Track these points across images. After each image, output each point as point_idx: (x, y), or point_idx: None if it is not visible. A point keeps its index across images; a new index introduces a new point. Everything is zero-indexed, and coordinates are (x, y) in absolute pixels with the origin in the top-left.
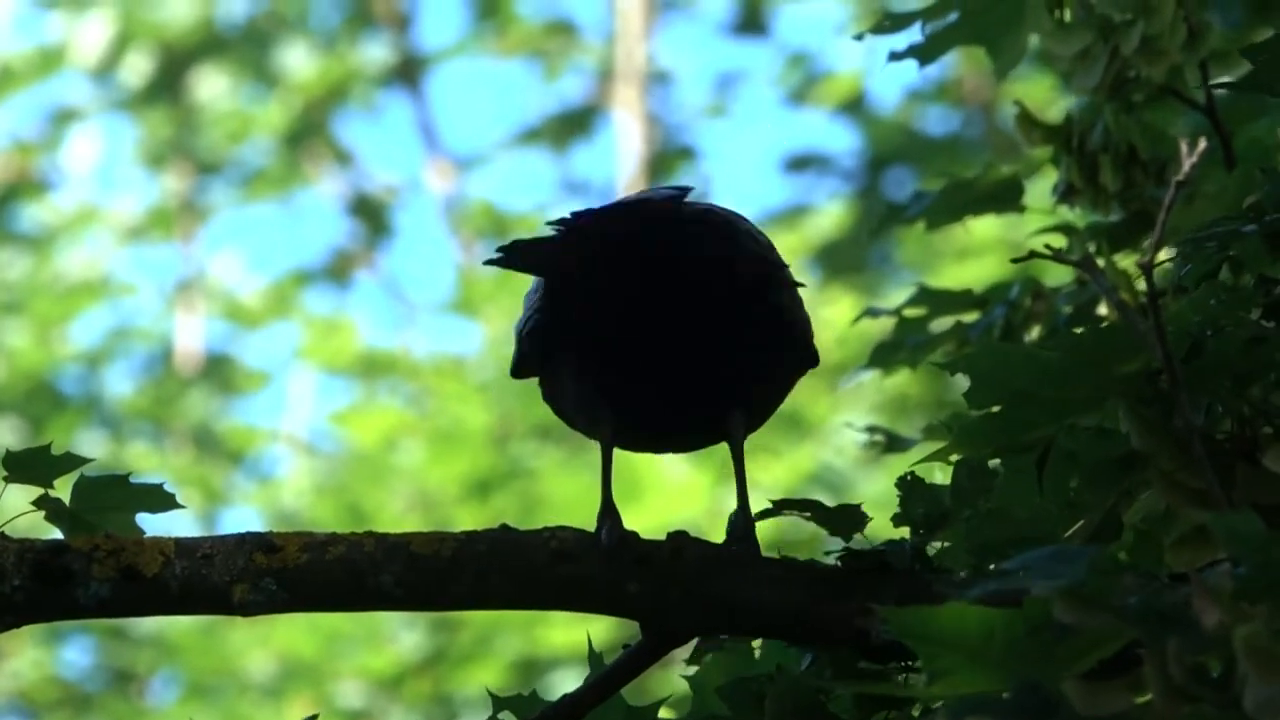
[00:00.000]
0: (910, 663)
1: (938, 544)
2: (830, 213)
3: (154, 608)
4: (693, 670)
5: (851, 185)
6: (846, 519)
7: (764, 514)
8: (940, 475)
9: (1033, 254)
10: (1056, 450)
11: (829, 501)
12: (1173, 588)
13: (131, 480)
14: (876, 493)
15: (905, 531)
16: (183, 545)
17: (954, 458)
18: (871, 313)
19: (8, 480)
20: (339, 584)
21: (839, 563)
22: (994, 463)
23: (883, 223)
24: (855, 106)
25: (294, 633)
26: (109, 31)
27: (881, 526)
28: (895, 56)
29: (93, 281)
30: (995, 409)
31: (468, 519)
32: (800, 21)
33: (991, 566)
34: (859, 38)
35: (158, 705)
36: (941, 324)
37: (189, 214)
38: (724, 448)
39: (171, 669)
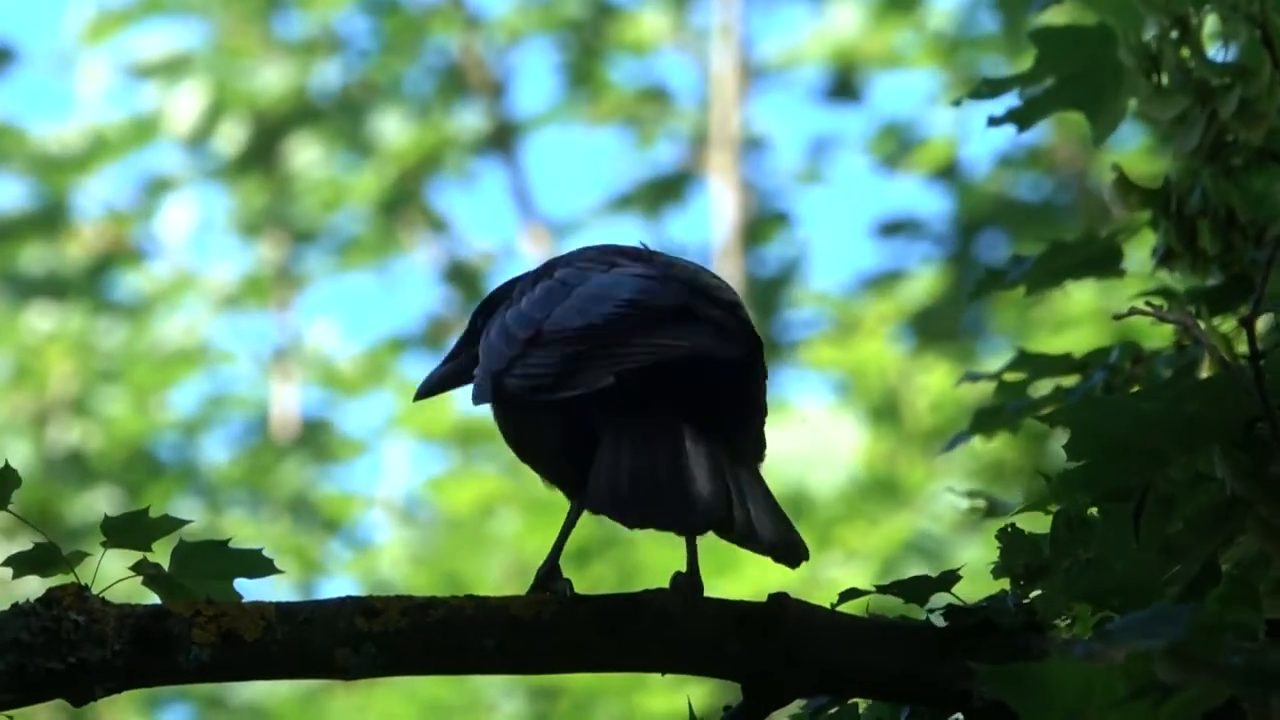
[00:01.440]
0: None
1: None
2: (923, 279)
3: (255, 672)
4: None
5: (943, 250)
6: (934, 587)
7: (850, 594)
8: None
9: (1133, 310)
10: (1153, 497)
11: (925, 569)
12: (1275, 645)
13: (230, 546)
14: (974, 559)
15: (1005, 583)
16: (283, 610)
17: (1053, 508)
18: (971, 377)
19: (106, 545)
20: (439, 647)
21: (943, 619)
22: (1092, 513)
23: (981, 287)
24: (948, 172)
25: (393, 701)
26: (202, 101)
27: (979, 593)
28: (994, 122)
29: (190, 349)
30: (1094, 459)
31: None
32: (893, 88)
33: (1092, 618)
34: (957, 103)
35: None
36: (1041, 388)
37: (284, 282)
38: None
39: None
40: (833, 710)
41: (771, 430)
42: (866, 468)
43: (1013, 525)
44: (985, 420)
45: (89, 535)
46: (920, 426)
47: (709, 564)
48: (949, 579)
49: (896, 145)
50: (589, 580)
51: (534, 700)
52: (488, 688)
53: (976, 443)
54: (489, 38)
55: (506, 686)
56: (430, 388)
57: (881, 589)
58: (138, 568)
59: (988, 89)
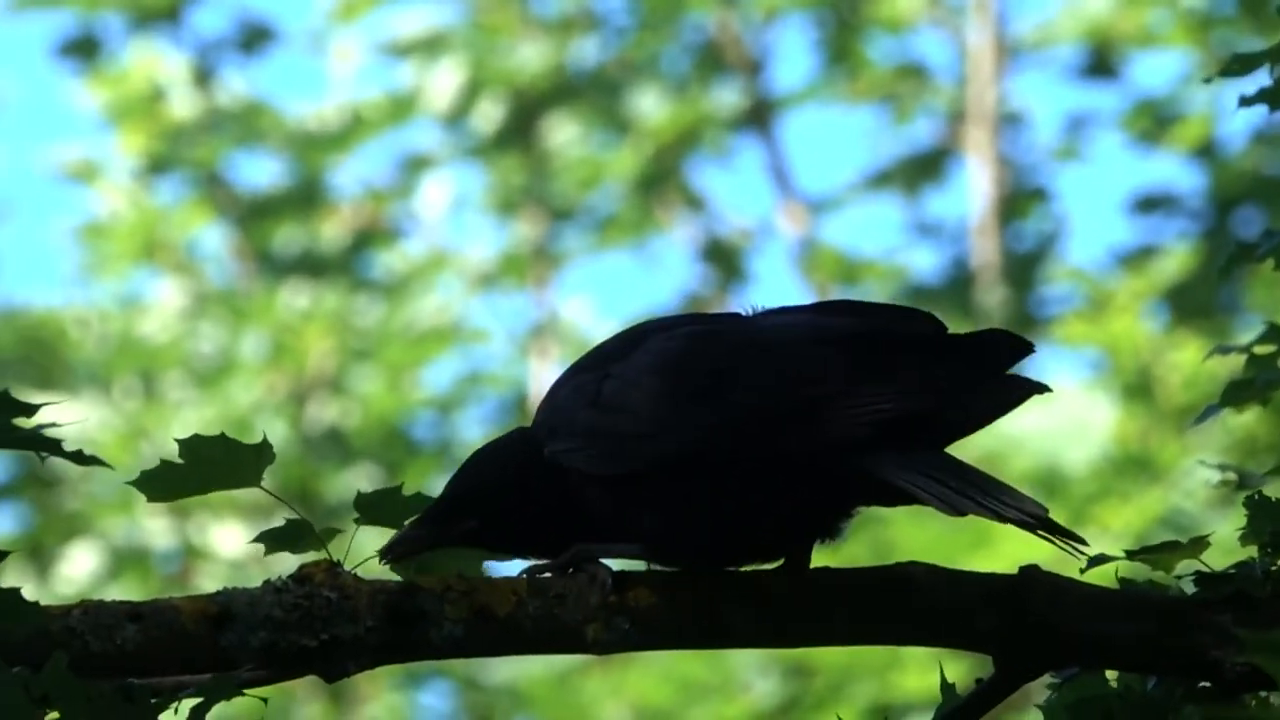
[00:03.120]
0: (1263, 693)
1: None
2: (1178, 255)
3: (507, 647)
4: (1045, 699)
5: (1199, 226)
6: (1183, 553)
7: (1098, 560)
8: None
9: None
10: None
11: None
12: None
13: None
14: (1227, 535)
15: (1253, 550)
16: (535, 585)
17: None
18: (1221, 350)
19: (359, 522)
20: (690, 622)
21: (1194, 585)
22: None
23: (1231, 262)
24: (1204, 149)
25: (647, 680)
26: (460, 79)
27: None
28: (1245, 102)
29: (443, 328)
30: None
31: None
32: (1150, 65)
33: None
34: (1207, 81)
35: None
36: None
37: (541, 260)
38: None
39: (527, 718)
40: (1083, 680)
41: (1025, 408)
42: (1120, 444)
43: (1259, 493)
44: (1236, 393)
45: (348, 513)
46: (1174, 403)
47: (966, 539)
48: (1198, 544)
49: (1152, 122)
50: (843, 559)
51: (788, 680)
52: (742, 668)
53: (1228, 417)
54: (746, 15)
55: (761, 666)
56: (407, 548)
57: (1130, 554)
58: None
59: (1238, 66)
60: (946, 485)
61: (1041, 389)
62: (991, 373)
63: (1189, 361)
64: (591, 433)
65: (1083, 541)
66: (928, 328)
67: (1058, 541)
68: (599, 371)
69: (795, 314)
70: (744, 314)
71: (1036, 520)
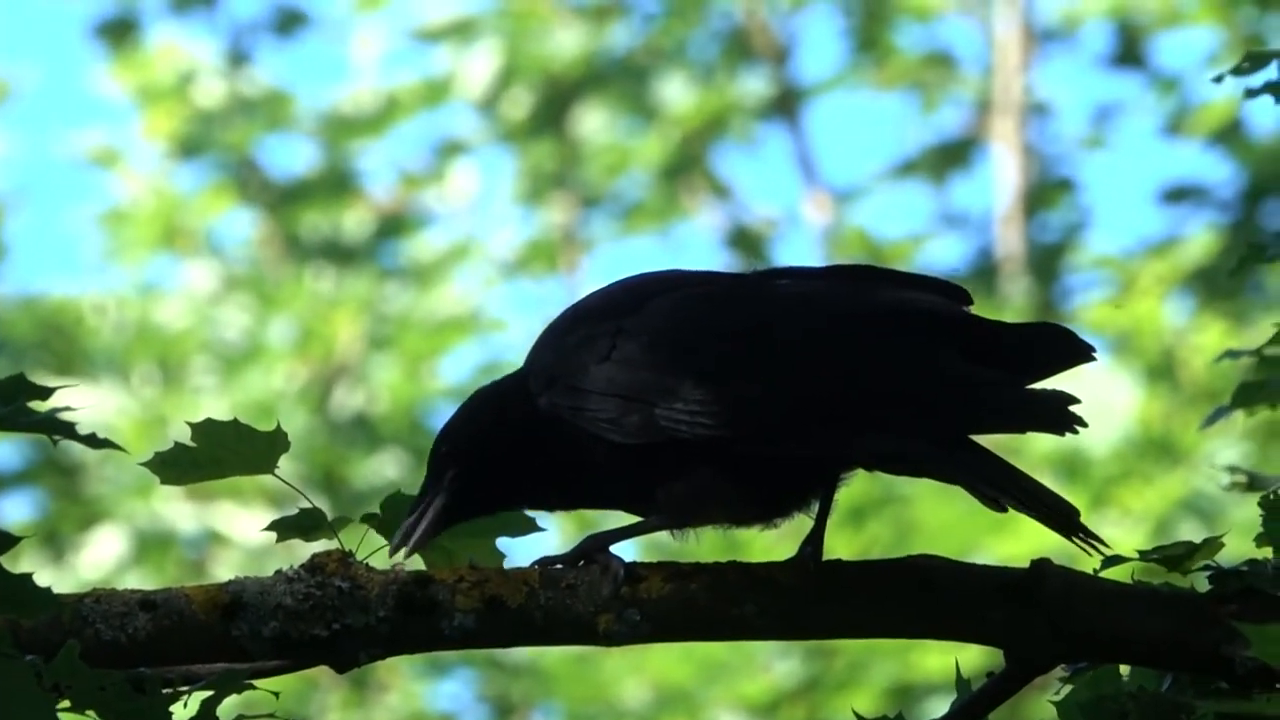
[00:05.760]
0: (1276, 685)
1: None
2: (1202, 240)
3: (518, 638)
4: (1060, 694)
5: (1229, 215)
6: (1198, 553)
7: (1113, 560)
8: None
9: None
10: None
11: (1199, 528)
12: None
13: None
14: (1249, 519)
15: (1268, 552)
16: (547, 576)
17: None
18: (1231, 355)
19: (370, 520)
20: (702, 614)
21: (1208, 581)
22: None
23: (1243, 262)
24: (1231, 135)
25: (668, 660)
26: (494, 64)
27: (1250, 550)
28: (1251, 94)
29: (462, 317)
30: None
31: (842, 547)
32: (1176, 47)
33: None
34: (1218, 80)
35: None
36: None
37: (570, 246)
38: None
39: (547, 699)
40: (1094, 674)
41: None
42: (1142, 426)
43: (1275, 493)
44: (1248, 394)
45: (374, 500)
46: (1197, 385)
47: (986, 521)
48: (1213, 545)
49: (1178, 108)
50: (864, 540)
51: (809, 660)
52: (763, 648)
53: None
54: (773, 2)
55: (782, 646)
56: (422, 536)
57: (1144, 555)
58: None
59: (1249, 65)
60: (989, 481)
61: (1073, 428)
62: (1035, 375)
63: (1212, 345)
64: (603, 393)
65: (1104, 544)
66: (966, 307)
67: (1078, 541)
68: (608, 325)
69: (823, 280)
70: (749, 275)
71: (1069, 521)
